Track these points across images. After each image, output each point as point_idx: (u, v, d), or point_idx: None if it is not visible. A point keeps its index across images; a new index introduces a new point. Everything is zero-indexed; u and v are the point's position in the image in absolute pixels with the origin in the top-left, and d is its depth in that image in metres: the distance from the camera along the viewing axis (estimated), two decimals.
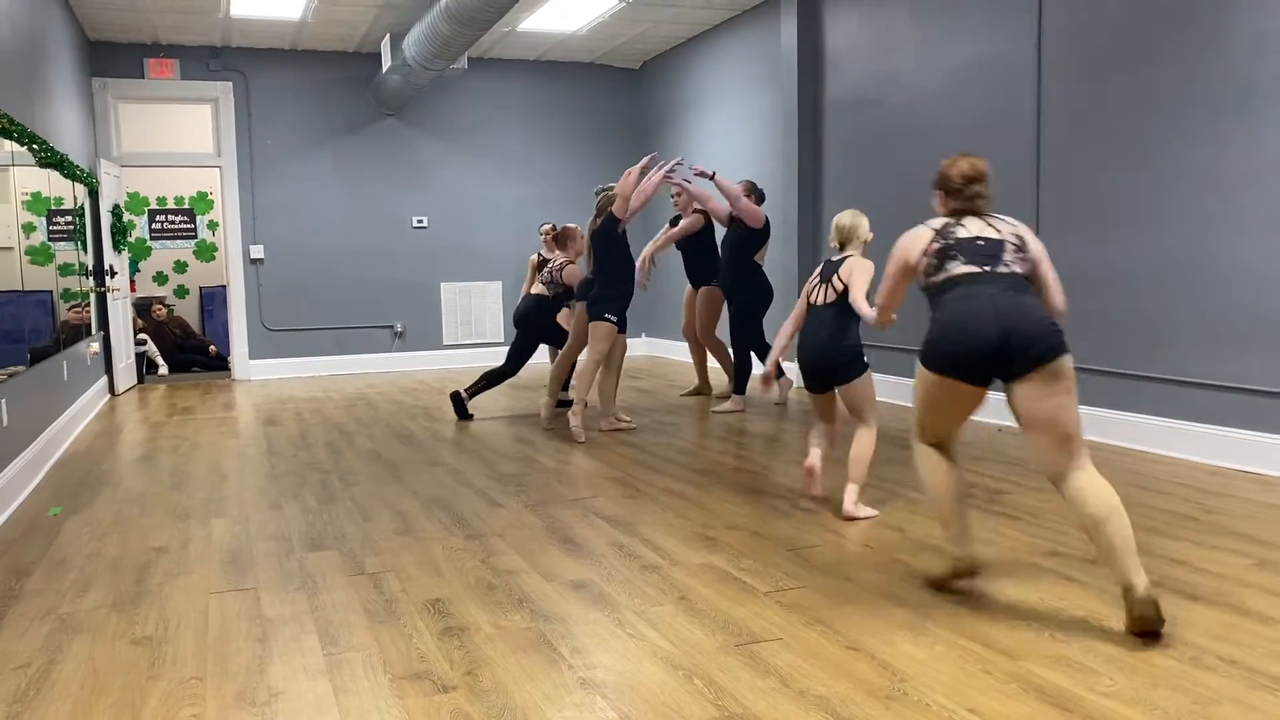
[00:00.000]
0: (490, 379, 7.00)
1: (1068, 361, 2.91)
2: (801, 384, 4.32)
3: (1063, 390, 2.90)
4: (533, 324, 7.00)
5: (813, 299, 4.19)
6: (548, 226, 8.15)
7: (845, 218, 4.27)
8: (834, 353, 4.08)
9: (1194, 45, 4.94)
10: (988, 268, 3.04)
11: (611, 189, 6.16)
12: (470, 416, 7.00)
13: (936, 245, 3.18)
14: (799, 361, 4.24)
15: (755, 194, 6.95)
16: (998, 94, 6.15)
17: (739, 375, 6.96)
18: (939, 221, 3.29)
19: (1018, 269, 3.05)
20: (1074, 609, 2.99)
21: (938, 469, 3.21)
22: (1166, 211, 5.13)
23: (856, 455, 4.11)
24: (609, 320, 6.01)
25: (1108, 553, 2.78)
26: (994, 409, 6.15)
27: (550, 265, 7.03)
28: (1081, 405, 5.63)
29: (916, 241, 3.26)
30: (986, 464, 5.06)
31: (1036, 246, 3.13)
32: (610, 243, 6.06)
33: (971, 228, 3.17)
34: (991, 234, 3.12)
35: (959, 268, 3.09)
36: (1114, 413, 5.46)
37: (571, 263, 6.91)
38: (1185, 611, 2.95)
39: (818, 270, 4.27)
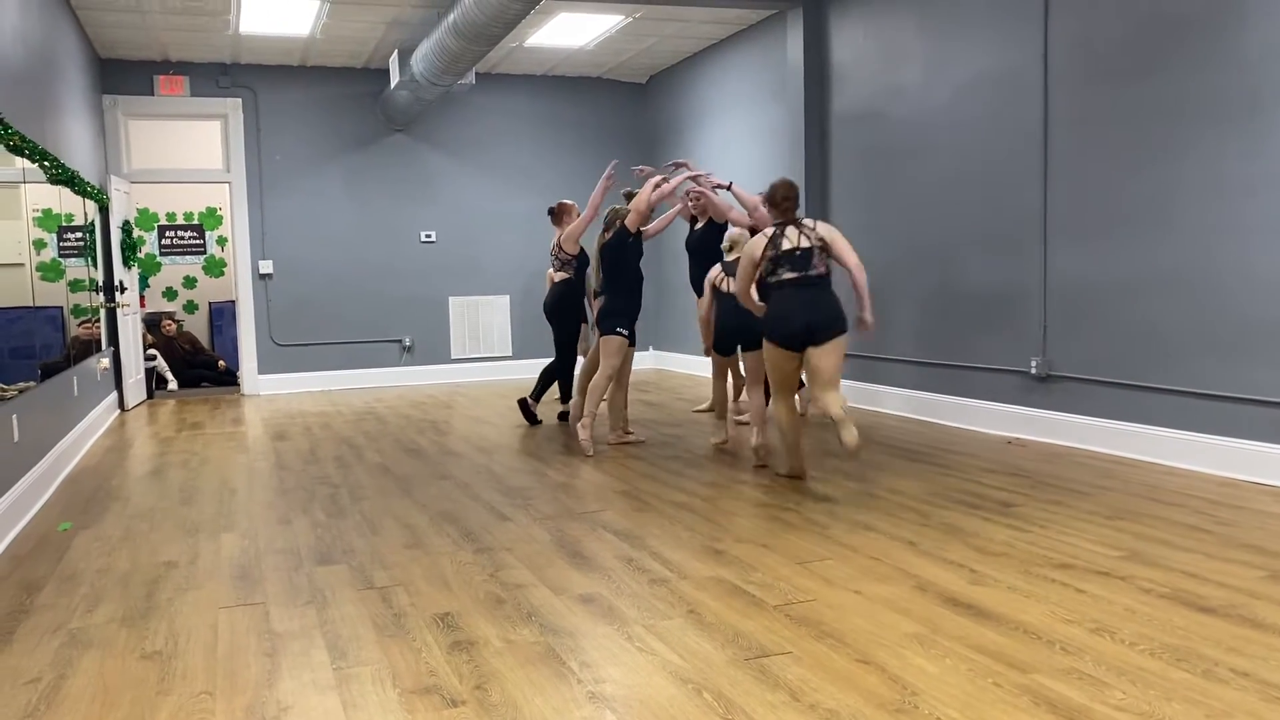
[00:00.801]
0: (548, 376, 7.13)
1: (842, 339, 4.72)
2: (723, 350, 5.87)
3: (835, 352, 4.71)
4: (562, 310, 7.05)
5: (722, 288, 5.75)
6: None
7: (736, 233, 5.90)
8: (750, 328, 5.35)
9: (1201, 55, 4.94)
10: (802, 273, 4.76)
11: (634, 194, 6.26)
12: (539, 422, 7.13)
13: (769, 254, 4.81)
14: (717, 330, 5.80)
15: None
16: (1004, 105, 6.15)
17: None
18: (770, 231, 4.89)
19: (821, 269, 4.78)
20: (1085, 621, 2.98)
21: (789, 418, 4.94)
22: (1175, 221, 5.12)
23: (756, 407, 5.57)
24: (620, 334, 6.02)
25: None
26: (1003, 422, 6.17)
27: (551, 249, 7.09)
28: (1091, 417, 5.65)
29: (757, 247, 4.88)
30: (996, 475, 5.04)
31: (839, 244, 4.81)
32: (621, 255, 6.07)
33: (791, 238, 4.79)
34: (804, 243, 4.77)
35: (786, 274, 4.79)
36: (1124, 424, 5.44)
37: (563, 232, 7.01)
38: (1198, 624, 2.93)
39: (719, 268, 5.83)
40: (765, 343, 4.92)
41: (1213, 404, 4.98)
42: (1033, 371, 5.99)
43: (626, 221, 6.02)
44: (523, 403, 7.17)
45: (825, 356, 4.68)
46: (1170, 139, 5.12)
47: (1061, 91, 5.74)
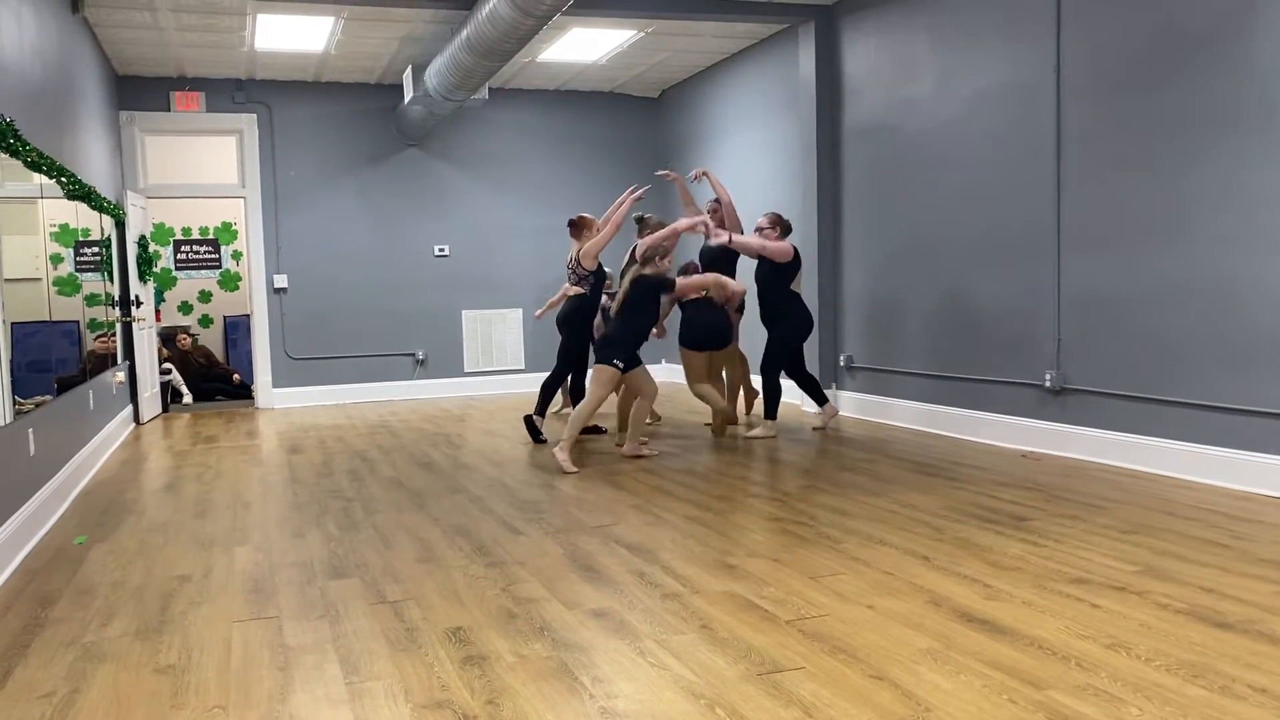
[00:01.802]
0: (549, 388, 7.13)
1: (733, 345, 7.21)
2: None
3: (728, 357, 7.28)
4: (575, 324, 7.07)
5: (612, 312, 6.64)
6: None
7: (610, 271, 7.37)
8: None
9: (1213, 67, 4.93)
10: (705, 293, 6.82)
11: (644, 217, 6.43)
12: (544, 440, 7.07)
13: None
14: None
15: (781, 226, 6.95)
16: (1017, 118, 6.15)
17: (770, 400, 6.95)
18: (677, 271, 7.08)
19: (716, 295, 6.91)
20: (1100, 636, 2.96)
21: (709, 390, 6.92)
22: (1189, 233, 5.10)
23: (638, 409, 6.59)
24: (615, 366, 6.07)
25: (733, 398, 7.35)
26: (1017, 436, 6.15)
27: (568, 262, 7.10)
28: (1106, 430, 5.60)
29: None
30: (1010, 489, 5.02)
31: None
32: (649, 296, 6.26)
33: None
34: None
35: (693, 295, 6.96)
36: (1139, 438, 5.41)
37: (581, 246, 7.04)
38: (1214, 640, 2.91)
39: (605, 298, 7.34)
40: (681, 348, 6.98)
41: (1229, 417, 4.95)
42: (1047, 384, 5.96)
43: (678, 287, 6.39)
44: (528, 420, 7.13)
45: (725, 360, 7.24)
46: (1183, 151, 5.11)
47: (1074, 104, 5.74)
